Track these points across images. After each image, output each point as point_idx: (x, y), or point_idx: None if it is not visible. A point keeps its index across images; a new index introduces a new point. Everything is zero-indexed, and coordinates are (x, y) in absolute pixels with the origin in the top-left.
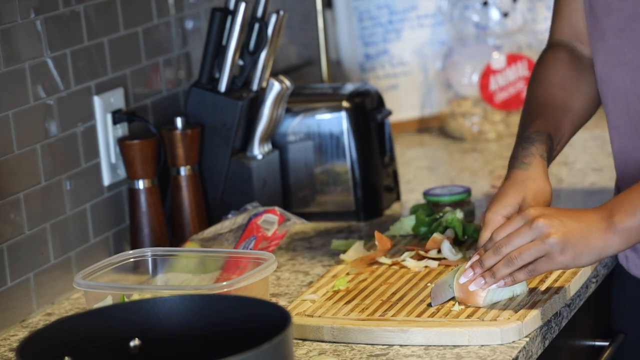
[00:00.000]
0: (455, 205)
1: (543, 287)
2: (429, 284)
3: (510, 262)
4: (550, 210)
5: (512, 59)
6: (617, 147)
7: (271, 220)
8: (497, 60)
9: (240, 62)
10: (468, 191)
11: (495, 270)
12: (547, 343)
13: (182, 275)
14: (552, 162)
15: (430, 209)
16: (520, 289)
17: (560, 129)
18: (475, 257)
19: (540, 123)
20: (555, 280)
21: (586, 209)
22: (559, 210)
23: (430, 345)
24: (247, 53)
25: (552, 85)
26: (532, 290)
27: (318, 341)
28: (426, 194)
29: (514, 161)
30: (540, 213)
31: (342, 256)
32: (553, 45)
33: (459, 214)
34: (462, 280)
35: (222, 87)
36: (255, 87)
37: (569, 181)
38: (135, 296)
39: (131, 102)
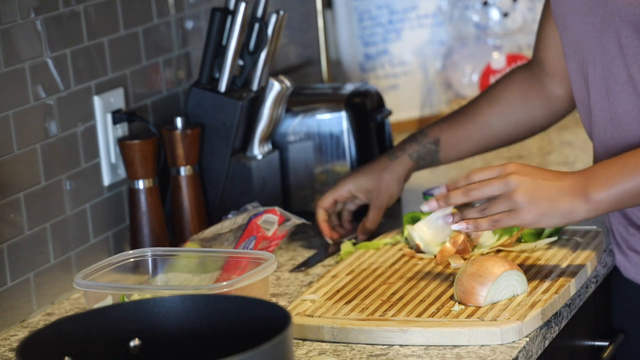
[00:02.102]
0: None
1: (543, 287)
2: (428, 284)
3: (480, 211)
4: (528, 168)
5: (512, 59)
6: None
7: (271, 220)
8: (497, 60)
9: (240, 62)
10: None
11: (465, 212)
12: (547, 343)
13: (182, 275)
14: (436, 164)
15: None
16: (520, 288)
17: (463, 137)
18: (443, 189)
19: (439, 126)
20: (555, 280)
21: (566, 172)
22: (537, 169)
23: (430, 345)
24: (247, 53)
25: (482, 97)
26: (532, 290)
27: (318, 341)
28: (426, 193)
29: (392, 148)
30: (516, 170)
31: (417, 241)
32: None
33: None
34: (425, 209)
35: (222, 87)
36: (255, 87)
37: None
38: (135, 296)
39: (131, 102)
